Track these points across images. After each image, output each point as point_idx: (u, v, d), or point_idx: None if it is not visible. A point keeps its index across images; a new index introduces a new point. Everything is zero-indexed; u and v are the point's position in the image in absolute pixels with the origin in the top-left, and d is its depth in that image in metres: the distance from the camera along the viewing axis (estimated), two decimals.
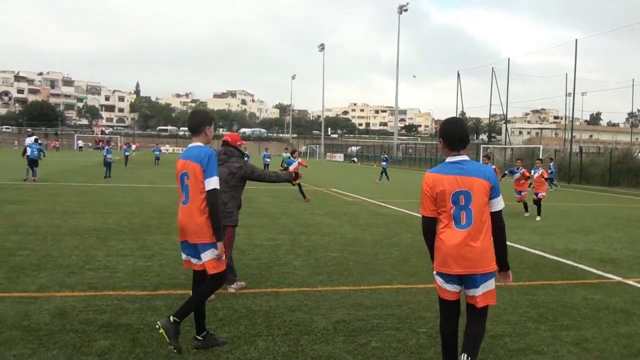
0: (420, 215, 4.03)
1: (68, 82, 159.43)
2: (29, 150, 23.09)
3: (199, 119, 4.91)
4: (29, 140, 23.85)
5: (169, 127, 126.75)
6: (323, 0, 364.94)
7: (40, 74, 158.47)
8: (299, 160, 19.94)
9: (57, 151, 78.41)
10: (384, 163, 31.55)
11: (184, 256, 4.87)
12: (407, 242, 10.73)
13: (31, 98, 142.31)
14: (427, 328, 5.51)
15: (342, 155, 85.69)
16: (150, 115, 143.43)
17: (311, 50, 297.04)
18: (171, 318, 4.51)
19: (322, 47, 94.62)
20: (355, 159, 76.51)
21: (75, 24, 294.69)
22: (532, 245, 10.88)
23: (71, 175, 22.82)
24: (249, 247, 9.56)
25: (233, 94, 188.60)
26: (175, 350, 4.47)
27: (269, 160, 35.68)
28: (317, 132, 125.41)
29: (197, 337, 4.82)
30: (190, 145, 4.87)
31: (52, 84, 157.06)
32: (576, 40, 47.53)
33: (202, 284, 4.81)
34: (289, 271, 7.88)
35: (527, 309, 6.32)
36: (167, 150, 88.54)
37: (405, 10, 71.11)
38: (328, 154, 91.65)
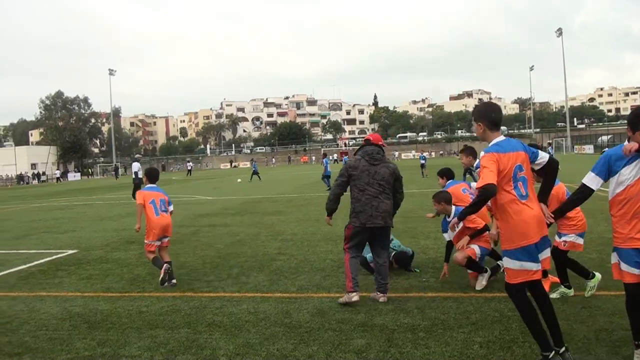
0: None
1: (312, 102, 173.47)
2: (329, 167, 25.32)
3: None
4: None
5: (408, 134, 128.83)
6: None
7: (287, 97, 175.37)
8: None
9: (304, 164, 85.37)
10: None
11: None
12: None
13: (280, 120, 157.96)
14: None
15: (591, 146, 77.74)
16: (389, 124, 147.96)
17: (550, 38, 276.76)
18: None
19: (559, 32, 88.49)
20: (607, 149, 68.90)
21: (314, 50, 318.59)
22: None
23: (321, 186, 24.66)
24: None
25: (469, 94, 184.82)
26: None
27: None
28: (562, 124, 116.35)
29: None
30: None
31: (298, 105, 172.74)
32: None
33: None
34: None
35: None
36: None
37: None
38: (576, 146, 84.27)
